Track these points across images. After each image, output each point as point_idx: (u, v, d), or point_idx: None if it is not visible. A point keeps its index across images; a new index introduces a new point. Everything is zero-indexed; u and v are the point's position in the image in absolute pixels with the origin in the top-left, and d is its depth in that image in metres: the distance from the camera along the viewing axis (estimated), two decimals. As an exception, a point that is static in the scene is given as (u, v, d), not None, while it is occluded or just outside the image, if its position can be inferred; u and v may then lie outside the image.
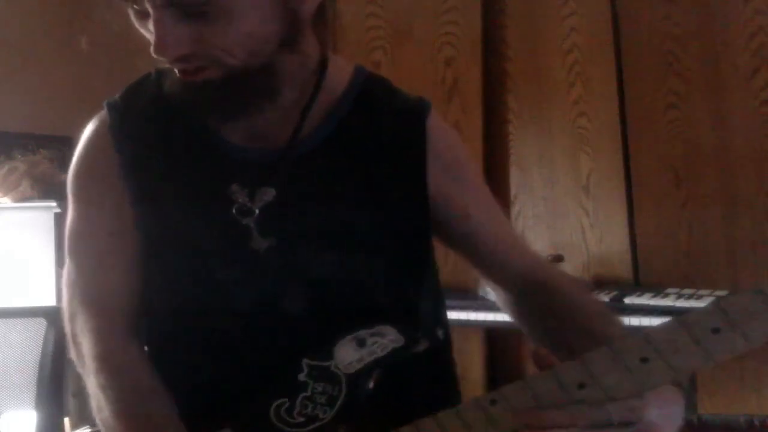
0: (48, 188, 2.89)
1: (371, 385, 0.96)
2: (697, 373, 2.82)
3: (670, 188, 3.14)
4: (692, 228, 3.11)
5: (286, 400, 0.95)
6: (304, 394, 0.95)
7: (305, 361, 0.96)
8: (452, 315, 3.09)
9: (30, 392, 2.28)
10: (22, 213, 2.91)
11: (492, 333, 3.35)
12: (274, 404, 0.95)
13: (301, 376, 0.96)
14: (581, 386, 0.81)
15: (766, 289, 0.79)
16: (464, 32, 3.42)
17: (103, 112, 1.06)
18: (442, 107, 3.37)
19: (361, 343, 0.97)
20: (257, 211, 0.99)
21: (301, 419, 0.94)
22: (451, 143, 1.10)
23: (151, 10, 0.88)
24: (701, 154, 3.11)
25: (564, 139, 3.32)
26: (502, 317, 3.11)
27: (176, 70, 0.93)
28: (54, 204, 2.83)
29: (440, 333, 1.10)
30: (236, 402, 0.96)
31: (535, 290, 1.09)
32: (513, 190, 3.41)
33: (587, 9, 3.25)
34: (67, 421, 2.57)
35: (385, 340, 0.97)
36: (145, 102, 1.05)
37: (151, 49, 0.90)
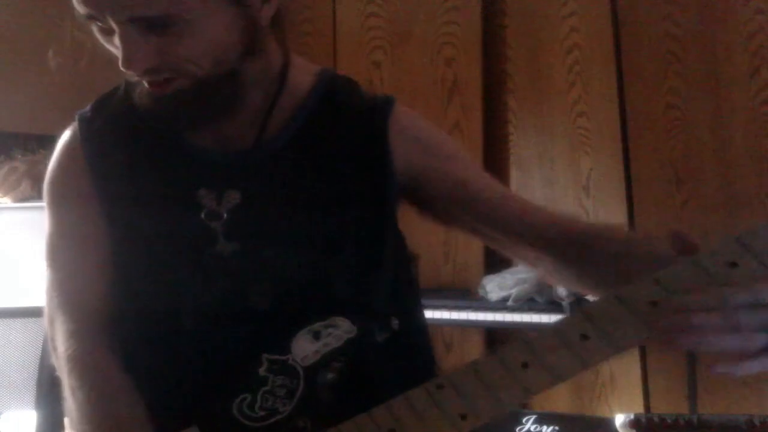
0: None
1: (330, 376, 0.97)
2: (697, 373, 2.81)
3: (670, 188, 3.14)
4: (692, 228, 3.11)
5: (248, 395, 0.97)
6: (264, 388, 0.97)
7: (264, 356, 0.98)
8: (452, 315, 3.10)
9: (30, 392, 2.28)
10: (22, 213, 2.91)
11: (492, 333, 3.34)
12: (237, 399, 0.97)
13: (261, 371, 0.98)
14: (525, 365, 0.83)
15: (699, 258, 0.80)
16: (464, 32, 3.41)
17: (75, 123, 1.10)
18: (442, 107, 3.37)
19: (316, 336, 0.99)
20: (225, 215, 1.02)
21: (263, 413, 0.96)
22: (420, 125, 1.11)
23: (115, 27, 0.91)
24: (701, 154, 3.10)
25: (564, 139, 3.31)
26: (502, 317, 3.11)
27: (145, 83, 0.96)
28: (54, 204, 2.83)
29: (395, 323, 1.10)
30: (200, 399, 0.98)
31: (579, 242, 1.03)
32: (513, 190, 3.41)
33: (587, 9, 3.25)
34: (67, 421, 2.57)
35: (339, 331, 0.99)
36: (114, 112, 1.08)
37: (119, 63, 0.93)
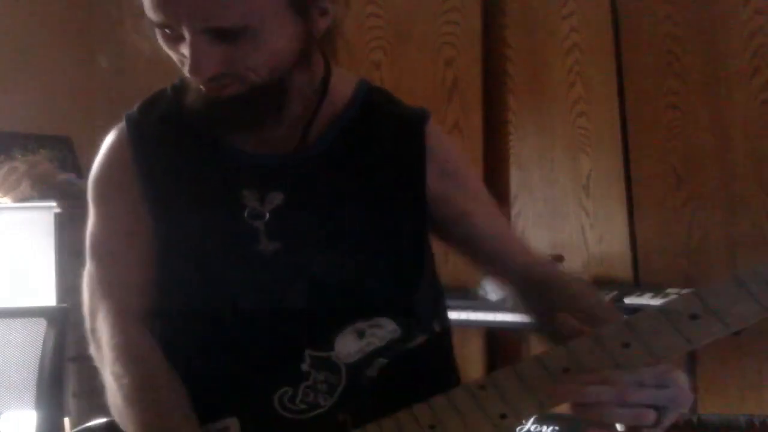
0: (48, 188, 2.89)
1: (373, 374, 1.00)
2: (697, 373, 2.82)
3: (670, 188, 3.14)
4: (692, 228, 3.11)
5: (289, 388, 1.00)
6: (306, 383, 1.00)
7: (307, 352, 1.01)
8: (452, 315, 3.07)
9: (30, 392, 2.28)
10: (22, 213, 2.91)
11: (492, 333, 3.34)
12: (278, 393, 1.00)
13: (304, 366, 1.01)
14: (566, 371, 0.86)
15: (741, 275, 0.82)
16: (464, 32, 3.41)
17: (122, 124, 1.13)
18: (442, 107, 3.38)
19: (360, 335, 1.02)
20: (267, 215, 1.05)
21: (303, 406, 1.00)
22: (449, 149, 1.16)
23: (187, 35, 0.94)
24: (701, 154, 3.11)
25: (564, 139, 3.32)
26: (502, 317, 3.12)
27: (203, 87, 1.00)
28: (54, 204, 2.83)
29: (437, 326, 1.13)
30: (242, 392, 1.01)
31: (533, 288, 1.13)
32: (513, 190, 3.41)
33: (587, 9, 3.25)
34: (67, 421, 2.57)
35: (384, 331, 1.03)
36: (160, 115, 1.12)
37: (185, 69, 0.97)
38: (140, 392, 0.99)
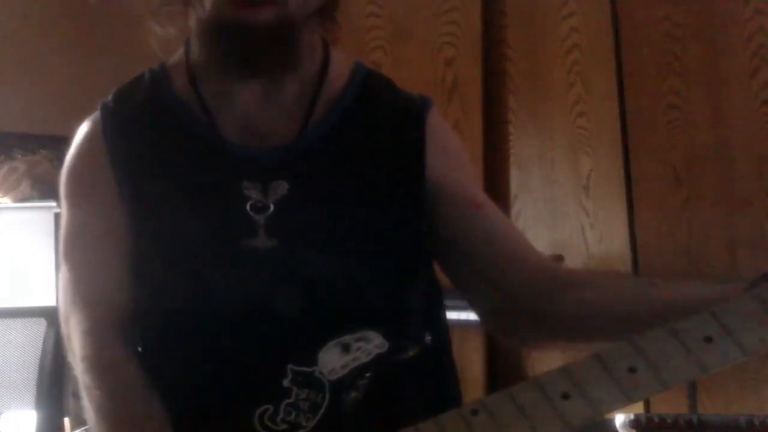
0: (48, 188, 2.89)
1: (357, 395, 0.93)
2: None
3: (670, 188, 3.14)
4: (692, 228, 3.11)
5: (270, 406, 0.93)
6: (287, 400, 0.93)
7: (289, 367, 0.94)
8: (452, 315, 3.09)
9: (30, 392, 2.28)
10: (22, 213, 2.91)
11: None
12: (258, 410, 0.92)
13: (285, 382, 0.93)
14: (565, 396, 0.78)
15: (762, 293, 0.75)
16: (464, 32, 3.41)
17: (96, 114, 1.05)
18: (442, 107, 3.37)
19: (345, 349, 0.95)
20: (272, 206, 0.98)
21: (284, 426, 0.92)
22: (452, 140, 1.10)
23: None
24: (701, 154, 3.10)
25: (564, 139, 3.31)
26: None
27: (235, 5, 0.93)
28: (54, 204, 2.83)
29: (428, 339, 1.05)
30: (221, 408, 0.95)
31: (565, 287, 1.01)
32: (513, 190, 3.41)
33: (587, 9, 3.25)
34: (67, 421, 2.57)
35: (370, 345, 0.95)
36: (138, 103, 1.04)
37: None
38: (111, 404, 0.94)
